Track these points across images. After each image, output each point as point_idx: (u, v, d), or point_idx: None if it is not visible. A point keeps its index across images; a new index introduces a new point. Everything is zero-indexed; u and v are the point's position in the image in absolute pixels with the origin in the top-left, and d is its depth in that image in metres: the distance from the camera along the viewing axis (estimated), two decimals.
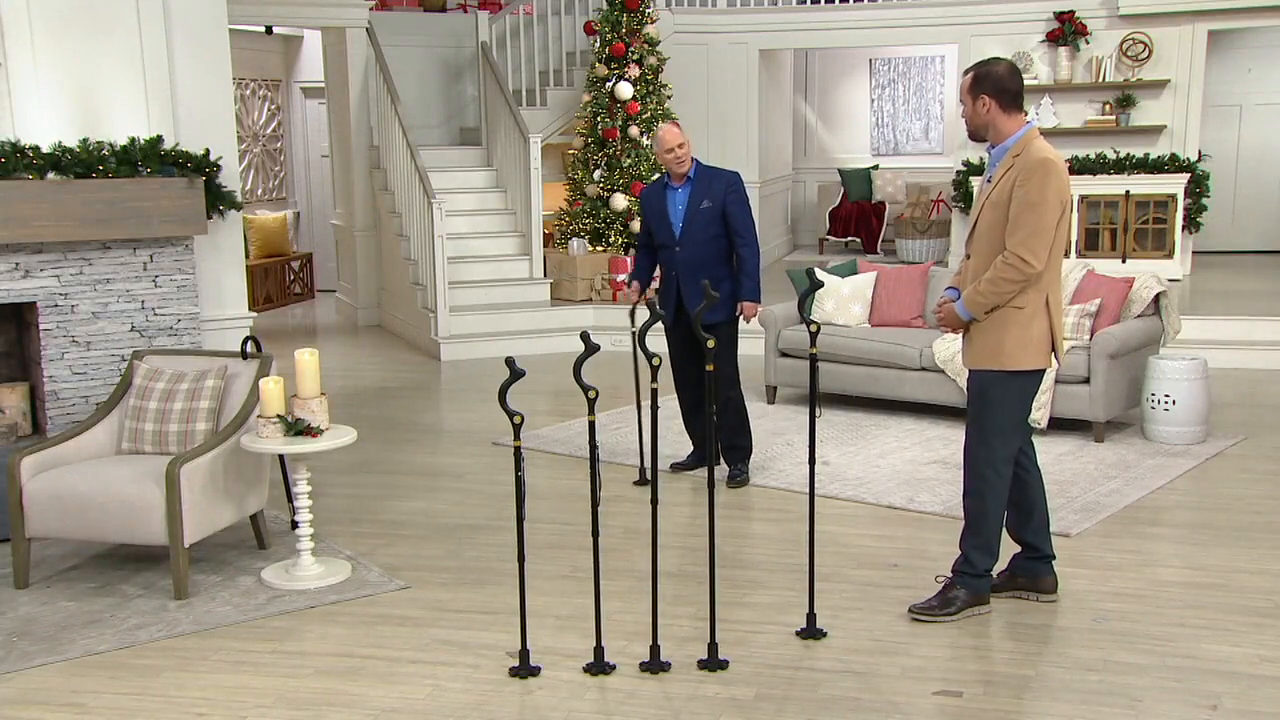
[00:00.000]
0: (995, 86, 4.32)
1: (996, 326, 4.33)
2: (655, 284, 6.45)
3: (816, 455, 4.51)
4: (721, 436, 6.21)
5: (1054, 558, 4.65)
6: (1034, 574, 4.65)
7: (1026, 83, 11.50)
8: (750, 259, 6.08)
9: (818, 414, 4.45)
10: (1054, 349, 4.41)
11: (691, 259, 6.04)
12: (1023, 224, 4.21)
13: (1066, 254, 10.86)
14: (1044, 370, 4.43)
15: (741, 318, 6.13)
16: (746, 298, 6.09)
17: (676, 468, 6.46)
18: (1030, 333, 4.31)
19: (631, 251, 10.65)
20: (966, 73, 4.41)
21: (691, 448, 6.54)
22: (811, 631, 4.34)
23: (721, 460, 6.29)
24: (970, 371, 4.47)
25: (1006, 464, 4.43)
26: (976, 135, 4.44)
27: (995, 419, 4.39)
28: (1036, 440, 6.77)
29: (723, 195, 6.03)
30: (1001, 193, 4.29)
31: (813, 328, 4.38)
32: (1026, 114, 4.45)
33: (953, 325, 4.47)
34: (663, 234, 6.13)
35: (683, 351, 6.25)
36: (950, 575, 4.54)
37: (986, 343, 4.36)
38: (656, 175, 6.36)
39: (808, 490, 4.48)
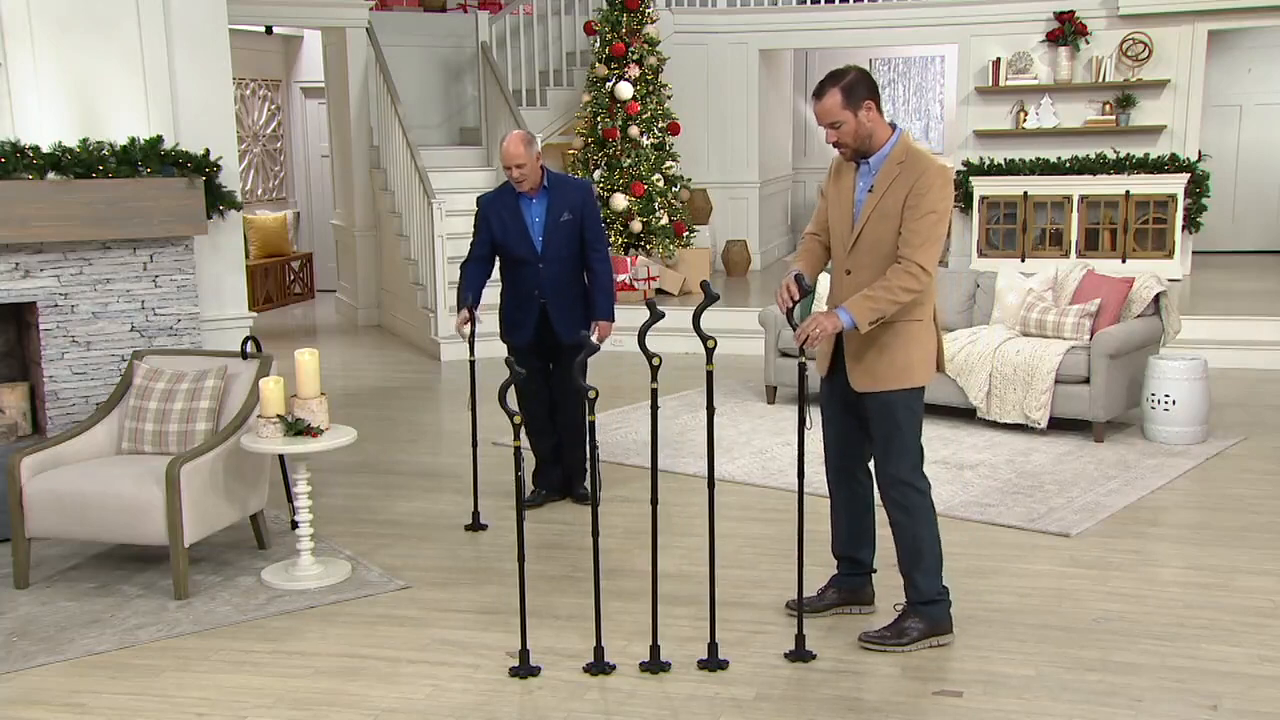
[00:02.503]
0: (870, 89, 4.05)
1: (900, 343, 4.13)
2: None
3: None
4: (574, 456, 5.94)
5: (874, 571, 4.56)
6: (854, 588, 4.54)
7: (1026, 83, 11.72)
8: (606, 274, 5.75)
9: (808, 425, 4.24)
10: (939, 361, 4.28)
11: (556, 276, 5.67)
12: (922, 232, 4.01)
13: (1067, 254, 11.00)
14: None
15: (594, 338, 5.60)
16: (602, 316, 5.73)
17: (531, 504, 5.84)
18: (928, 346, 4.19)
19: (632, 252, 10.65)
20: (824, 93, 4.05)
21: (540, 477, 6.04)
22: (800, 654, 4.19)
23: (575, 484, 6.01)
24: (868, 394, 4.21)
25: (923, 478, 4.26)
26: (861, 152, 4.10)
27: (906, 438, 4.21)
28: (1037, 440, 6.84)
29: (580, 207, 5.68)
30: (891, 203, 4.06)
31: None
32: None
33: (828, 333, 4.10)
34: (519, 248, 5.67)
35: (539, 377, 5.82)
36: (906, 604, 4.35)
37: (893, 361, 4.14)
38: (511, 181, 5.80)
39: (805, 498, 4.43)
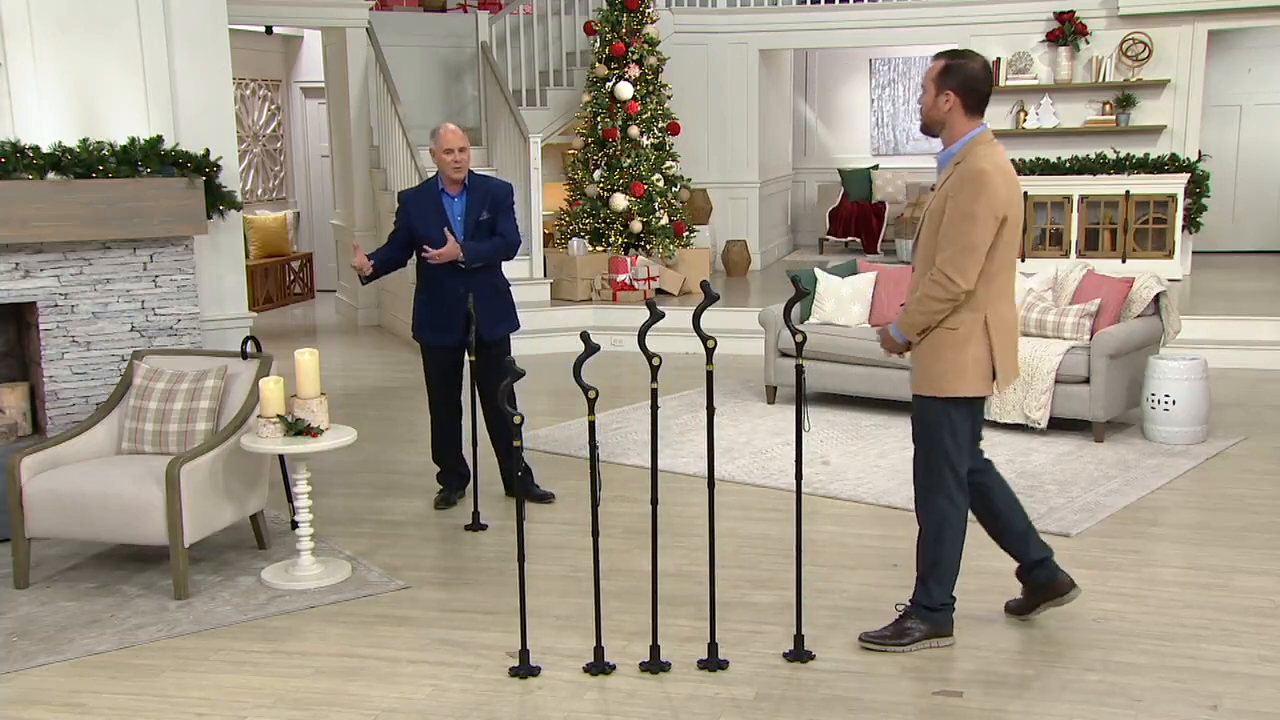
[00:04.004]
0: (964, 84, 4.00)
1: (930, 349, 4.09)
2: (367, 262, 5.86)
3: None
4: (515, 460, 6.00)
5: (1048, 556, 4.37)
6: (1042, 582, 4.37)
7: (1026, 83, 11.71)
8: (500, 242, 5.74)
9: (806, 428, 4.22)
10: (995, 375, 4.10)
11: (478, 272, 5.72)
12: (951, 240, 3.94)
13: (1067, 254, 10.98)
14: (984, 397, 4.15)
15: (438, 246, 5.63)
16: (465, 248, 5.62)
17: (442, 505, 5.95)
18: (965, 357, 4.04)
19: (632, 252, 10.65)
20: (936, 58, 4.08)
21: (454, 475, 6.05)
22: (799, 654, 4.19)
23: (513, 487, 5.80)
24: (913, 396, 4.22)
25: (959, 490, 4.18)
26: (929, 129, 4.12)
27: (940, 448, 4.14)
28: (1037, 440, 6.84)
29: (495, 205, 5.77)
30: (938, 203, 4.03)
31: (799, 337, 4.17)
32: (983, 119, 4.12)
33: (892, 349, 4.22)
34: (442, 245, 5.66)
35: (455, 375, 5.84)
36: (909, 604, 4.33)
37: (922, 366, 4.13)
38: (423, 180, 6.00)
39: (805, 498, 4.43)
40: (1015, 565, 4.45)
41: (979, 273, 3.97)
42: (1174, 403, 6.76)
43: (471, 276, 5.73)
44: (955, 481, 4.18)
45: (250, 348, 5.53)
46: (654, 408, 4.11)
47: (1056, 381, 6.89)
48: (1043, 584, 4.39)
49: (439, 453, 6.03)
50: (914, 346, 4.16)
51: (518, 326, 5.98)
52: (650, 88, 10.88)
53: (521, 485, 5.93)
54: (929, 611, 4.26)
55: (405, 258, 5.98)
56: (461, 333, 5.72)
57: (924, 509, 4.24)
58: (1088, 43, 11.52)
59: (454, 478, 6.04)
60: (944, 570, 4.24)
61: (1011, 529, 4.37)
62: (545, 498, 5.98)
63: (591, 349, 4.00)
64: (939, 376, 4.10)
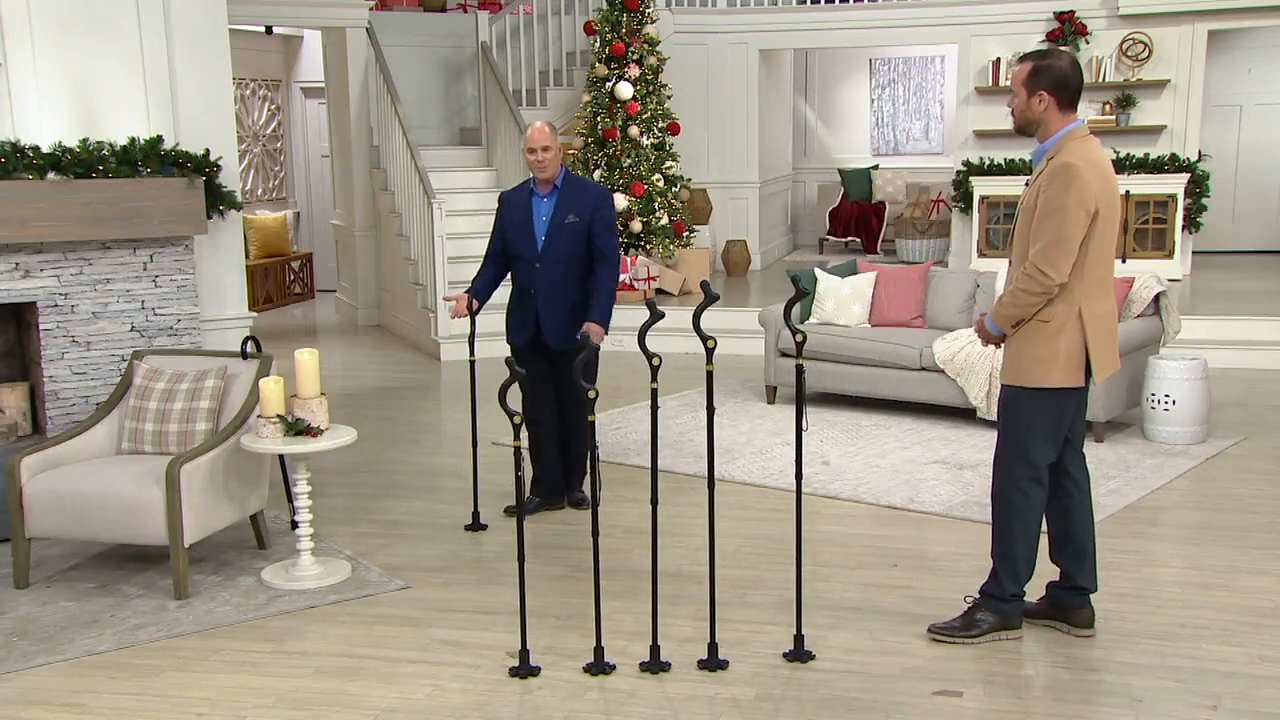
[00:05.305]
0: (1056, 83, 4.05)
1: (1021, 340, 4.13)
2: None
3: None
4: (575, 459, 5.86)
5: (1090, 591, 4.34)
6: (1064, 604, 4.36)
7: None
8: (608, 278, 5.62)
9: (805, 427, 4.24)
10: (1089, 367, 4.10)
11: (552, 278, 5.60)
12: (1043, 233, 3.99)
13: None
14: (1078, 389, 4.14)
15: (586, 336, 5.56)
16: (595, 317, 5.51)
17: (513, 511, 5.64)
18: (1056, 348, 4.06)
19: (632, 252, 10.65)
20: (1023, 60, 4.13)
21: (539, 483, 5.90)
22: (799, 654, 4.19)
23: (567, 484, 5.92)
24: (1001, 386, 4.29)
25: (1034, 484, 4.19)
26: (1024, 130, 4.17)
27: (1018, 438, 4.17)
28: None
29: (590, 212, 5.60)
30: (1031, 198, 4.09)
31: (799, 337, 4.18)
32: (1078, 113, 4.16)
33: (987, 341, 4.27)
34: (522, 246, 5.64)
35: (542, 378, 5.71)
36: (978, 596, 4.36)
37: (1011, 356, 4.17)
38: (528, 177, 5.79)
39: (805, 498, 4.44)
40: (1039, 574, 4.44)
41: (1072, 266, 4.01)
42: (1174, 403, 6.76)
43: (543, 282, 5.61)
44: (1029, 474, 4.20)
45: (250, 348, 5.54)
46: (654, 408, 4.11)
47: None
48: (1067, 606, 4.37)
49: (534, 454, 5.86)
50: (1008, 338, 4.20)
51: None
52: (650, 88, 10.87)
53: (567, 486, 5.96)
54: (998, 602, 4.28)
55: (506, 269, 5.83)
56: (531, 333, 5.65)
57: (997, 499, 4.28)
58: (1088, 43, 11.52)
59: (545, 487, 5.86)
60: (1015, 562, 4.25)
61: (1073, 543, 4.34)
62: (580, 502, 5.89)
63: (592, 349, 4.00)
64: (1026, 367, 4.13)
